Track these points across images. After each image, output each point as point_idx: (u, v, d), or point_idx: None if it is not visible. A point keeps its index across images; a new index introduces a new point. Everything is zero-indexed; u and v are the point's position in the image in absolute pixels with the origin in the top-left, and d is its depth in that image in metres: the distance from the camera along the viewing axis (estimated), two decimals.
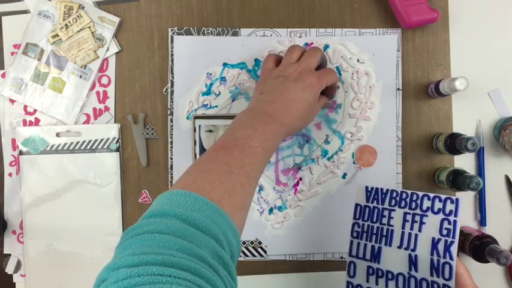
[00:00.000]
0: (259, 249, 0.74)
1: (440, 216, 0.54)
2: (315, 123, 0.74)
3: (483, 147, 0.73)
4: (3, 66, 0.75)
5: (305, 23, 0.74)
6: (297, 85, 0.62)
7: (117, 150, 0.74)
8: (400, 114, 0.74)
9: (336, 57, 0.73)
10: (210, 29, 0.74)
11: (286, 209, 0.74)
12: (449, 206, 0.54)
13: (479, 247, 0.67)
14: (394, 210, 0.57)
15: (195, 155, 0.73)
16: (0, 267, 0.75)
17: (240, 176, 0.51)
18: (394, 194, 0.58)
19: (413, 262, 0.55)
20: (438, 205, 0.54)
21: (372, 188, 0.60)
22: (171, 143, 0.74)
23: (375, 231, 0.58)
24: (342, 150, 0.74)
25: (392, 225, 0.57)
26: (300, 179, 0.74)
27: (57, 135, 0.74)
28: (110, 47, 0.74)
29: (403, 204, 0.57)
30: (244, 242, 0.74)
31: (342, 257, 0.74)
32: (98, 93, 0.74)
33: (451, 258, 0.52)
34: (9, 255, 0.75)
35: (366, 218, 0.59)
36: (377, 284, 0.57)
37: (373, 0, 0.74)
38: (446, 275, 0.52)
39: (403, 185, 0.73)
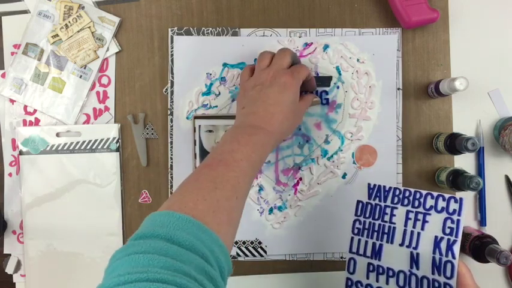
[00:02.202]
0: (259, 249, 0.74)
1: (444, 215, 0.54)
2: (315, 123, 0.74)
3: (483, 147, 0.73)
4: (3, 66, 0.75)
5: (305, 23, 0.74)
6: (274, 88, 0.61)
7: (117, 150, 0.74)
8: (400, 114, 0.74)
9: (336, 57, 0.73)
10: (210, 29, 0.74)
11: (286, 209, 0.74)
12: (453, 205, 0.54)
13: (479, 247, 0.67)
14: (396, 208, 0.57)
15: (195, 155, 0.73)
16: (0, 267, 0.75)
17: (225, 190, 0.51)
18: (397, 192, 0.58)
19: (414, 260, 0.55)
20: (442, 204, 0.54)
21: (375, 185, 0.60)
22: (171, 143, 0.74)
23: (376, 229, 0.58)
24: (342, 150, 0.74)
25: (394, 223, 0.57)
26: (300, 179, 0.74)
27: (57, 135, 0.74)
28: (110, 47, 0.74)
29: (405, 202, 0.57)
30: (244, 242, 0.74)
31: (342, 257, 0.74)
32: (98, 93, 0.75)
33: (453, 257, 0.53)
34: (9, 255, 0.75)
35: (367, 215, 0.59)
36: (377, 280, 0.57)
37: (373, 0, 0.74)
38: (448, 274, 0.53)
39: (403, 184, 0.73)
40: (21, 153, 0.74)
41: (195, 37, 0.74)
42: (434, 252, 0.53)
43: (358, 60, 0.73)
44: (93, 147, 0.74)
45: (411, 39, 0.74)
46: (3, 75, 0.75)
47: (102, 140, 0.74)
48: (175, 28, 0.74)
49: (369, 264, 0.58)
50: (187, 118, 0.74)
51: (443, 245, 0.53)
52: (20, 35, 0.74)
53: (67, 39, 0.73)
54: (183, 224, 0.45)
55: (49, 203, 0.74)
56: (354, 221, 0.61)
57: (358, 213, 0.60)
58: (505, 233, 0.74)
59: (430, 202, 0.55)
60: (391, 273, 0.56)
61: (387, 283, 0.56)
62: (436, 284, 0.53)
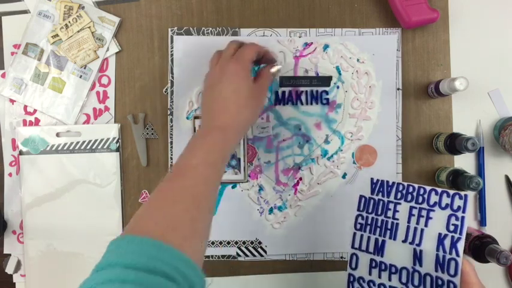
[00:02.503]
0: (259, 249, 0.74)
1: (448, 211, 0.53)
2: (315, 123, 0.74)
3: (483, 147, 0.73)
4: (3, 66, 0.75)
5: (305, 23, 0.74)
6: (224, 84, 0.59)
7: (117, 150, 0.74)
8: (400, 114, 0.74)
9: (336, 57, 0.73)
10: (210, 29, 0.74)
11: (286, 209, 0.74)
12: (458, 202, 0.53)
13: (479, 247, 0.67)
14: (399, 203, 0.57)
15: None
16: (0, 267, 0.75)
17: (185, 203, 0.51)
18: (401, 187, 0.57)
19: (417, 257, 0.54)
20: (446, 200, 0.54)
21: (378, 180, 0.59)
22: (171, 143, 0.74)
23: (379, 224, 0.57)
24: (342, 150, 0.74)
25: (397, 219, 0.56)
26: (300, 179, 0.74)
27: (57, 135, 0.74)
28: (110, 47, 0.74)
29: (409, 198, 0.56)
30: (244, 242, 0.74)
31: (342, 257, 0.74)
32: (98, 93, 0.75)
33: (457, 255, 0.52)
34: (9, 255, 0.75)
35: (370, 211, 0.58)
36: (380, 277, 0.56)
37: (373, 0, 0.74)
38: (452, 271, 0.52)
39: None
40: (21, 153, 0.74)
41: (195, 37, 0.74)
42: (437, 250, 0.53)
43: (358, 60, 0.73)
44: (93, 147, 0.74)
45: (411, 39, 0.74)
46: (3, 75, 0.75)
47: (102, 140, 0.74)
48: (175, 28, 0.74)
49: (372, 260, 0.57)
50: (187, 118, 0.74)
51: (447, 242, 0.53)
52: (20, 35, 0.74)
53: (67, 39, 0.73)
54: (142, 247, 0.45)
55: (49, 203, 0.74)
56: (357, 216, 0.60)
57: (361, 209, 0.59)
58: (505, 233, 0.74)
59: (434, 198, 0.54)
60: (393, 269, 0.56)
61: (390, 279, 0.56)
62: (440, 282, 0.53)
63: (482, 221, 0.73)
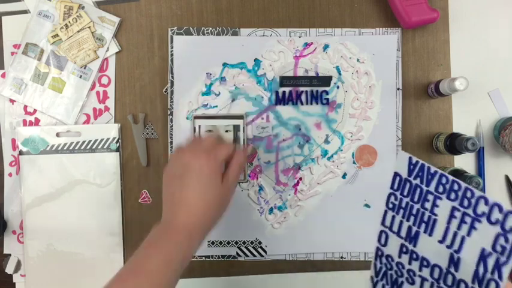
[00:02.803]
0: (259, 249, 0.74)
1: (497, 229, 0.44)
2: (315, 123, 0.74)
3: (483, 147, 0.73)
4: (3, 66, 0.75)
5: (305, 23, 0.74)
6: (192, 177, 0.55)
7: (117, 150, 0.74)
8: (400, 114, 0.74)
9: (336, 57, 0.73)
10: (210, 28, 0.74)
11: (286, 208, 0.74)
12: (511, 222, 0.44)
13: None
14: (440, 198, 0.49)
15: None
16: (0, 267, 0.75)
17: None
18: (444, 180, 0.48)
19: (454, 262, 0.48)
20: (497, 215, 0.45)
21: (417, 162, 0.50)
22: (171, 143, 0.74)
23: (414, 212, 0.50)
24: (342, 150, 0.74)
25: (436, 215, 0.49)
26: (300, 179, 0.74)
27: (57, 135, 0.74)
28: (110, 47, 0.74)
29: (452, 196, 0.48)
30: (244, 242, 0.74)
31: (342, 257, 0.74)
32: (98, 93, 0.75)
33: (500, 278, 0.45)
34: (9, 255, 0.75)
35: (405, 193, 0.51)
36: (410, 263, 0.51)
37: (373, 0, 0.74)
38: None
39: None
40: (21, 153, 0.74)
41: (195, 37, 0.74)
42: (478, 265, 0.46)
43: (358, 60, 0.73)
44: (93, 147, 0.74)
45: (411, 39, 0.74)
46: (3, 75, 0.75)
47: (102, 140, 0.74)
48: (175, 28, 0.74)
49: (402, 245, 0.51)
50: (187, 118, 0.74)
51: (490, 261, 0.45)
52: (20, 35, 0.74)
53: (67, 39, 0.73)
54: None
55: (49, 203, 0.74)
56: (389, 195, 0.52)
57: (395, 187, 0.52)
58: None
59: (482, 208, 0.46)
60: (425, 263, 0.50)
61: (420, 270, 0.50)
62: None
63: None
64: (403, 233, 0.51)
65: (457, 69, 0.74)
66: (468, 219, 0.46)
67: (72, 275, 0.74)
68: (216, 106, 0.74)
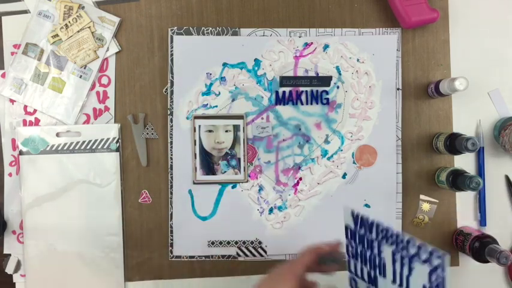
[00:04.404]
0: (259, 249, 0.74)
1: (428, 267, 0.48)
2: (315, 123, 0.74)
3: (483, 147, 0.73)
4: (3, 66, 0.75)
5: (305, 23, 0.74)
6: None
7: (117, 150, 0.74)
8: (400, 114, 0.74)
9: (336, 57, 0.73)
10: (210, 28, 0.74)
11: (286, 209, 0.74)
12: (436, 261, 0.47)
13: (479, 247, 0.67)
14: (382, 243, 0.52)
15: (195, 154, 0.73)
16: (0, 267, 0.75)
17: None
18: (380, 228, 0.52)
19: None
20: (425, 255, 0.48)
21: (358, 215, 0.54)
22: (171, 143, 0.74)
23: (368, 258, 0.54)
24: (342, 150, 0.74)
25: (383, 258, 0.52)
26: (300, 179, 0.74)
27: (57, 135, 0.74)
28: (109, 47, 0.74)
29: (390, 241, 0.51)
30: (244, 242, 0.74)
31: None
32: (98, 93, 0.74)
33: None
34: (9, 255, 0.75)
35: (357, 242, 0.55)
36: None
37: (373, 0, 0.74)
38: None
39: (403, 185, 0.73)
40: (21, 153, 0.74)
41: (195, 37, 0.74)
42: None
43: (358, 60, 0.73)
44: (93, 147, 0.74)
45: (411, 39, 0.74)
46: (3, 75, 0.75)
47: (102, 140, 0.74)
48: (175, 28, 0.74)
49: None
50: (187, 118, 0.74)
51: None
52: (20, 35, 0.74)
53: (67, 39, 0.73)
54: None
55: (49, 203, 0.74)
56: (347, 244, 0.56)
57: (349, 237, 0.56)
58: (505, 233, 0.74)
59: (413, 249, 0.49)
60: None
61: None
62: None
63: (482, 221, 0.73)
64: (366, 277, 0.55)
65: (457, 69, 0.74)
66: (406, 261, 0.50)
67: (72, 275, 0.74)
68: (216, 106, 0.74)
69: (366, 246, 0.54)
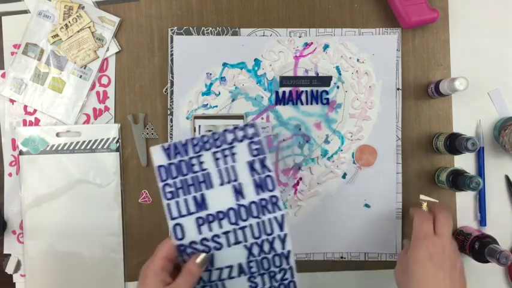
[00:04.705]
0: None
1: (246, 141, 0.57)
2: (315, 123, 0.74)
3: (483, 147, 0.73)
4: (3, 66, 0.75)
5: (305, 23, 0.74)
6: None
7: (117, 150, 0.74)
8: (400, 114, 0.74)
9: (336, 57, 0.73)
10: (210, 28, 0.74)
11: (286, 209, 0.74)
12: (250, 130, 0.57)
13: (479, 247, 0.67)
14: (201, 155, 0.57)
15: None
16: (0, 267, 0.75)
17: None
18: (195, 141, 0.58)
19: (238, 191, 0.57)
20: (240, 133, 0.57)
21: (170, 145, 0.58)
22: None
23: (190, 182, 0.57)
24: (342, 150, 0.74)
25: (206, 169, 0.57)
26: (300, 179, 0.74)
27: (57, 135, 0.74)
28: (110, 47, 0.74)
29: (207, 146, 0.57)
30: None
31: (342, 257, 0.74)
32: (98, 93, 0.75)
33: (269, 170, 0.56)
34: (9, 255, 0.75)
35: (174, 175, 0.57)
36: (211, 230, 0.57)
37: (373, 0, 0.74)
38: (270, 187, 0.56)
39: (403, 184, 0.73)
40: (21, 153, 0.74)
41: (195, 37, 0.74)
42: (252, 175, 0.56)
43: (358, 60, 0.73)
44: (93, 147, 0.74)
45: (411, 39, 0.74)
46: (3, 75, 0.75)
47: (102, 140, 0.74)
48: (175, 28, 0.74)
49: (197, 218, 0.57)
50: (187, 118, 0.74)
51: (257, 166, 0.56)
52: (20, 35, 0.74)
53: (67, 39, 0.73)
54: None
55: (49, 203, 0.74)
56: (163, 187, 0.58)
57: (164, 178, 0.58)
58: (505, 233, 0.74)
59: (230, 136, 0.57)
60: (221, 215, 0.57)
61: (221, 227, 0.57)
62: (263, 202, 0.56)
63: (482, 221, 0.73)
64: (193, 207, 0.57)
65: (457, 69, 0.74)
66: (227, 152, 0.57)
67: (72, 275, 0.74)
68: (216, 106, 0.74)
69: (185, 171, 0.57)
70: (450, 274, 0.58)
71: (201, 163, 0.57)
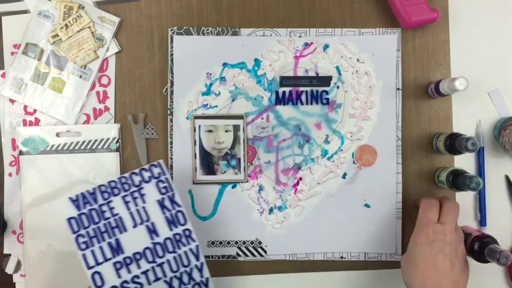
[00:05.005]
0: (259, 249, 0.74)
1: (154, 181, 0.59)
2: (315, 123, 0.74)
3: (483, 147, 0.73)
4: (3, 66, 0.75)
5: (305, 23, 0.74)
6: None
7: (117, 150, 0.74)
8: (400, 114, 0.74)
9: (336, 57, 0.73)
10: (210, 28, 0.74)
11: (286, 209, 0.74)
12: (156, 170, 0.59)
13: (479, 247, 0.67)
14: (111, 201, 0.59)
15: (195, 155, 0.73)
16: (0, 267, 0.75)
17: None
18: (103, 188, 0.60)
19: (152, 230, 0.58)
20: (147, 174, 0.59)
21: (77, 196, 0.60)
22: (171, 143, 0.74)
23: (103, 230, 0.58)
24: (342, 150, 0.74)
25: (117, 214, 0.58)
26: (300, 179, 0.74)
27: (57, 135, 0.74)
28: (109, 47, 0.74)
29: (116, 192, 0.59)
30: (244, 242, 0.74)
31: (342, 257, 0.74)
32: (98, 93, 0.75)
33: (179, 206, 0.59)
34: (9, 255, 0.75)
35: (86, 225, 0.59)
36: (129, 272, 0.57)
37: (373, 0, 0.74)
38: (182, 221, 0.59)
39: (403, 184, 0.73)
40: (21, 153, 0.74)
41: (195, 37, 0.74)
42: (164, 213, 0.58)
43: (358, 60, 0.73)
44: (93, 147, 0.74)
45: (411, 39, 0.74)
46: (3, 75, 0.75)
47: (102, 140, 0.74)
48: (175, 28, 0.74)
49: (115, 263, 0.58)
50: (187, 118, 0.74)
51: (167, 203, 0.59)
52: (20, 35, 0.74)
53: (67, 39, 0.73)
54: None
55: (49, 203, 0.74)
56: (76, 238, 0.59)
57: (76, 229, 0.59)
58: (505, 233, 0.74)
59: (137, 179, 0.59)
60: (138, 256, 0.58)
61: (139, 267, 0.58)
62: (178, 237, 0.58)
63: (482, 221, 0.73)
64: (109, 253, 0.58)
65: (457, 69, 0.74)
66: (136, 194, 0.59)
67: (72, 275, 0.74)
68: (216, 106, 0.74)
69: (97, 219, 0.58)
70: (450, 258, 0.59)
71: (111, 209, 0.59)
